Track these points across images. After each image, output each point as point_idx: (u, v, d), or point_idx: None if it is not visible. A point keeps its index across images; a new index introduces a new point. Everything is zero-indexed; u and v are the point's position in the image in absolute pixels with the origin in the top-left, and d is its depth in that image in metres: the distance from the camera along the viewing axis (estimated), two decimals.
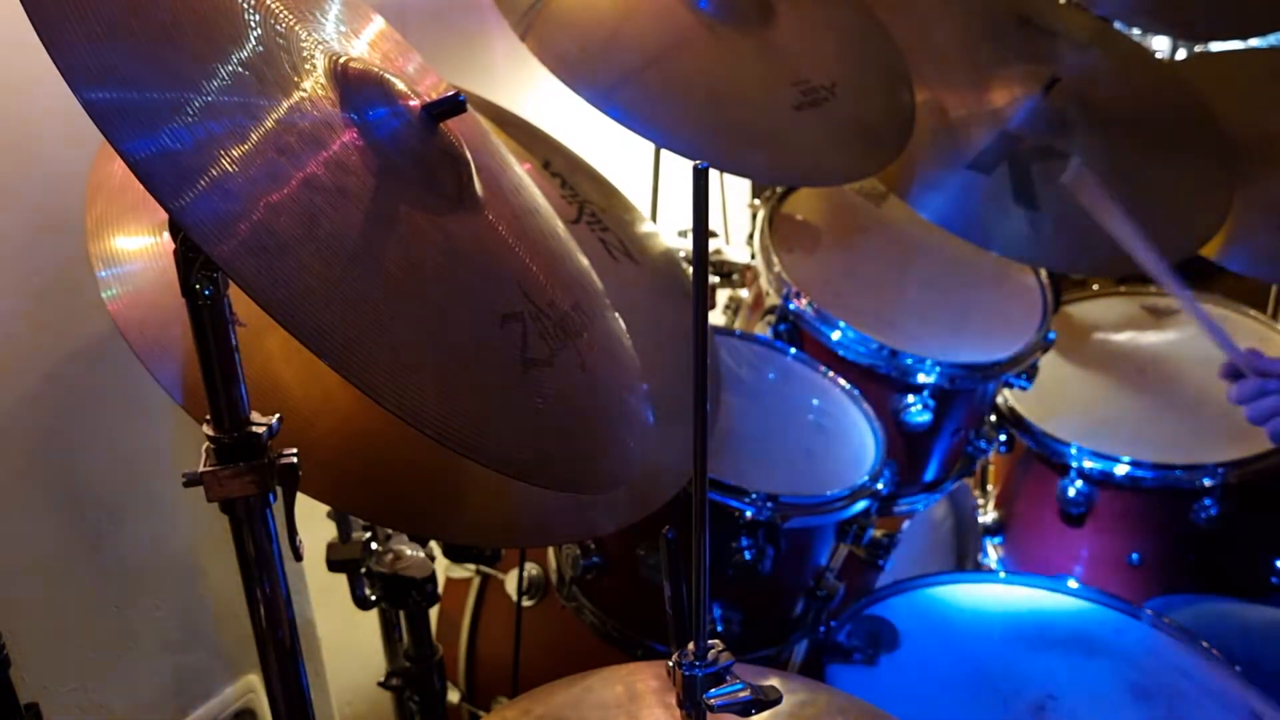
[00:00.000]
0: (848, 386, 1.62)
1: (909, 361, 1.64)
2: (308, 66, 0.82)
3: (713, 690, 0.81)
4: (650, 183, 1.90)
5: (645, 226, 1.54)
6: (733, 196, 2.38)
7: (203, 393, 0.80)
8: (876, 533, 1.51)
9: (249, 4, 0.80)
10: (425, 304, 0.79)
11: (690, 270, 1.30)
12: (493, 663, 1.68)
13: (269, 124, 0.74)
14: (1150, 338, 2.02)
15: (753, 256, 1.81)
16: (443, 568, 1.67)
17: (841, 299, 1.73)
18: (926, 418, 1.66)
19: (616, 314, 1.09)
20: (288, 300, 0.69)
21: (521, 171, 1.10)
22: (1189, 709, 1.31)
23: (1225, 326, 1.99)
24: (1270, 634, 1.49)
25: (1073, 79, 1.78)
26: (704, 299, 0.71)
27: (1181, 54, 2.64)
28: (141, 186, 0.65)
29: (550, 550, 1.55)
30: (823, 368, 1.64)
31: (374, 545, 1.31)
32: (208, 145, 0.69)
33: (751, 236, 1.84)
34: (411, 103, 0.86)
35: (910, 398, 1.66)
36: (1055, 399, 1.89)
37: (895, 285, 1.83)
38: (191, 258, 0.74)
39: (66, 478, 1.34)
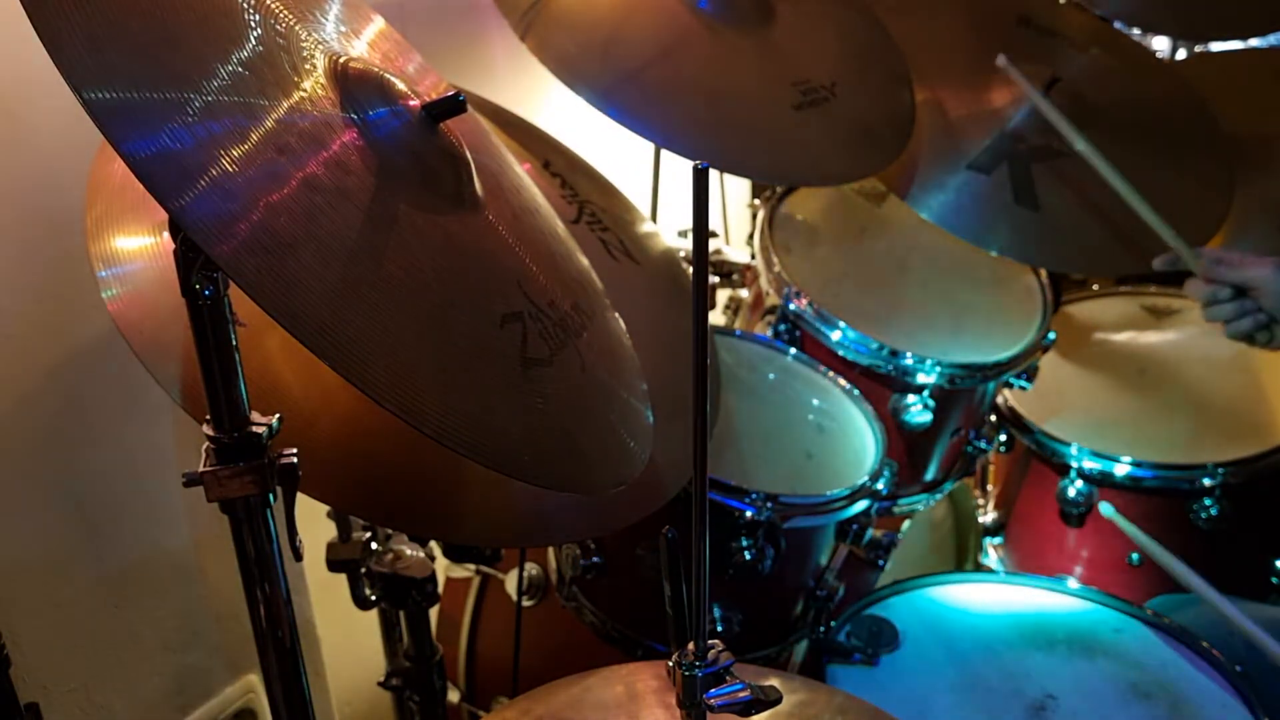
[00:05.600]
0: (848, 386, 1.62)
1: (909, 361, 1.64)
2: (308, 66, 0.82)
3: (713, 690, 0.81)
4: (650, 183, 1.90)
5: (645, 226, 1.54)
6: (733, 196, 2.39)
7: (203, 393, 0.80)
8: (876, 533, 1.51)
9: (249, 4, 0.80)
10: (425, 304, 0.79)
11: (690, 270, 1.30)
12: (493, 663, 1.68)
13: (269, 124, 0.74)
14: (1150, 338, 2.02)
15: (753, 256, 1.81)
16: (443, 568, 1.67)
17: (841, 299, 1.73)
18: (926, 418, 1.66)
19: (616, 314, 1.09)
20: (287, 300, 0.69)
21: (521, 171, 1.11)
22: (1189, 709, 1.31)
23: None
24: (1270, 634, 1.49)
25: (1073, 79, 1.78)
26: (704, 299, 0.71)
27: (1181, 54, 2.64)
28: (141, 186, 0.65)
29: (550, 550, 1.55)
30: (823, 368, 1.64)
31: (374, 545, 1.31)
32: (208, 145, 0.69)
33: (751, 236, 1.84)
34: (411, 103, 0.87)
35: (910, 398, 1.66)
36: (1055, 399, 1.89)
37: (895, 285, 1.82)
38: (191, 258, 0.74)
39: (66, 478, 1.34)
